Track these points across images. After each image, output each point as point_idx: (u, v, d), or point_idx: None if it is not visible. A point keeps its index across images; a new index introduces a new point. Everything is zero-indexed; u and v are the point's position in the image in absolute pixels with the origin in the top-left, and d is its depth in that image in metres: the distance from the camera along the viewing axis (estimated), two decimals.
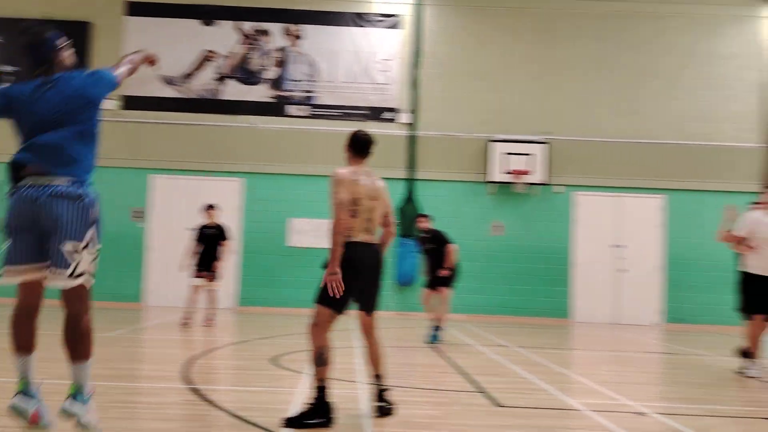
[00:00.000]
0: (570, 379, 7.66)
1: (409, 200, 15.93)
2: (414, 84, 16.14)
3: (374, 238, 5.11)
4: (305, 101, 16.17)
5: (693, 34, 16.62)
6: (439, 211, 15.91)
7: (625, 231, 16.27)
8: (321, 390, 4.82)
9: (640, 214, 16.27)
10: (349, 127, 16.01)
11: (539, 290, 16.04)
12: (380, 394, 5.12)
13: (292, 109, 16.15)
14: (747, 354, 7.99)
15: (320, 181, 16.08)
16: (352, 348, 8.92)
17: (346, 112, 16.15)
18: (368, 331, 5.21)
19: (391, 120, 16.19)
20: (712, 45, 16.60)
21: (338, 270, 4.81)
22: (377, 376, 5.16)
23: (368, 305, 5.19)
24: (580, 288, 16.09)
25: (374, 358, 5.17)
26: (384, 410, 5.09)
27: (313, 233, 15.81)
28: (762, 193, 8.46)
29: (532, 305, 15.98)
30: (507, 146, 15.94)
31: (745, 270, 8.08)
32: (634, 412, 5.77)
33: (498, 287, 15.97)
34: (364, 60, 16.27)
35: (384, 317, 15.05)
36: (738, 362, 8.19)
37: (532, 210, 16.17)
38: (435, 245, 10.80)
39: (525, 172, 15.78)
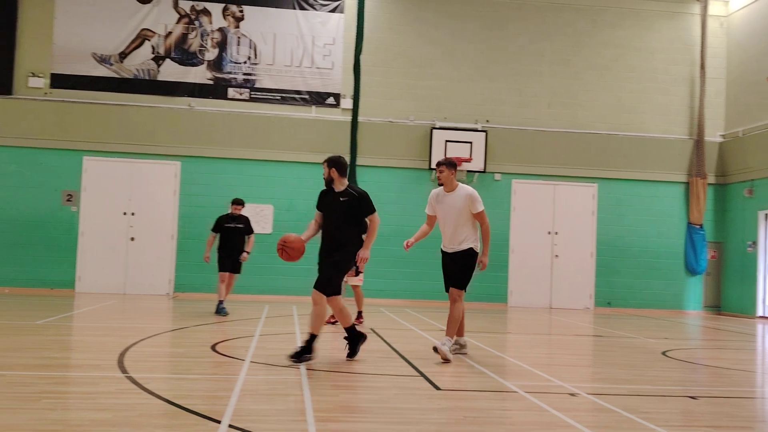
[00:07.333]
0: (506, 362, 7.82)
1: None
2: (356, 69, 16.09)
3: None
4: (245, 84, 15.96)
5: (626, 28, 17.06)
6: (382, 198, 15.99)
7: (559, 218, 16.65)
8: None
9: (573, 201, 16.67)
10: (290, 111, 15.97)
11: (479, 276, 16.23)
12: None
13: (231, 92, 15.92)
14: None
15: (259, 165, 15.93)
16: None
17: (286, 96, 16.02)
18: None
19: (335, 105, 16.13)
20: (644, 39, 17.07)
21: None
22: None
23: None
24: (517, 273, 16.41)
25: None
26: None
27: (251, 219, 15.65)
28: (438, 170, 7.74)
29: (471, 290, 16.12)
30: (447, 133, 16.10)
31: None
32: (567, 393, 5.94)
33: (432, 272, 16.12)
34: (305, 43, 16.14)
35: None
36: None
37: None
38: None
39: (466, 160, 15.96)
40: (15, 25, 15.36)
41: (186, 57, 15.86)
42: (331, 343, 8.95)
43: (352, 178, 15.94)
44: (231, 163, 15.75)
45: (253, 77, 15.98)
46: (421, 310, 14.14)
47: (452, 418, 4.88)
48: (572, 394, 5.91)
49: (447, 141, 16.04)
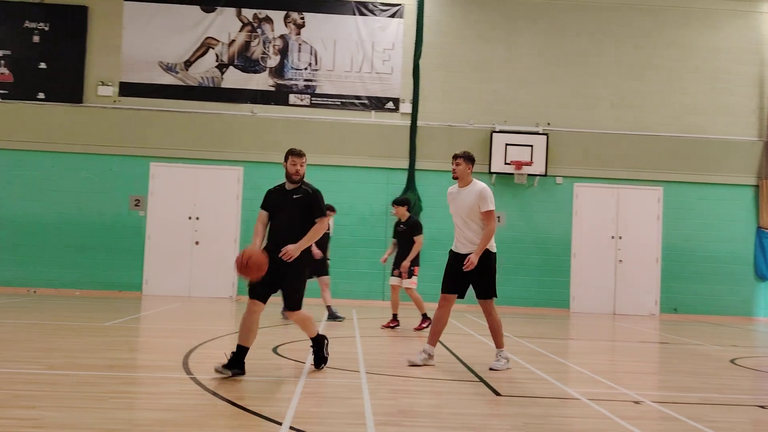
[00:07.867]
0: (568, 369, 7.70)
1: (410, 190, 15.92)
2: (415, 74, 16.11)
3: None
4: (306, 90, 16.15)
5: (692, 28, 16.63)
6: (441, 202, 15.93)
7: (623, 222, 16.32)
8: None
9: (637, 205, 16.31)
10: (350, 117, 16.09)
11: (539, 281, 16.09)
12: None
13: (293, 98, 16.14)
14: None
15: (320, 170, 16.08)
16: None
17: (346, 102, 16.14)
18: None
19: (394, 110, 16.18)
20: (710, 39, 16.60)
21: None
22: None
23: None
24: (579, 278, 16.14)
25: None
26: None
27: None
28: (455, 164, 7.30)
29: (533, 296, 16.03)
30: (507, 137, 15.96)
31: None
32: (631, 401, 5.81)
33: (498, 278, 15.98)
34: (365, 49, 16.24)
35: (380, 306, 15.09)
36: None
37: (532, 201, 16.21)
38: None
39: (526, 163, 15.80)
40: (85, 37, 15.90)
41: (248, 64, 16.15)
42: (391, 347, 8.98)
43: (411, 183, 15.96)
44: None
45: (313, 83, 16.16)
46: (480, 314, 14.04)
47: (513, 424, 4.84)
48: (636, 402, 5.79)
49: (507, 144, 15.90)
